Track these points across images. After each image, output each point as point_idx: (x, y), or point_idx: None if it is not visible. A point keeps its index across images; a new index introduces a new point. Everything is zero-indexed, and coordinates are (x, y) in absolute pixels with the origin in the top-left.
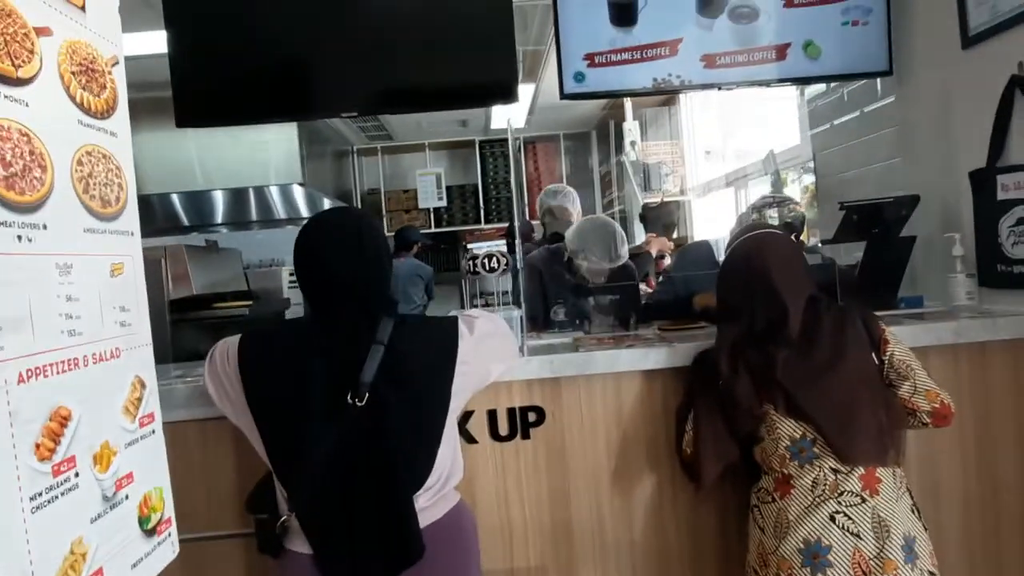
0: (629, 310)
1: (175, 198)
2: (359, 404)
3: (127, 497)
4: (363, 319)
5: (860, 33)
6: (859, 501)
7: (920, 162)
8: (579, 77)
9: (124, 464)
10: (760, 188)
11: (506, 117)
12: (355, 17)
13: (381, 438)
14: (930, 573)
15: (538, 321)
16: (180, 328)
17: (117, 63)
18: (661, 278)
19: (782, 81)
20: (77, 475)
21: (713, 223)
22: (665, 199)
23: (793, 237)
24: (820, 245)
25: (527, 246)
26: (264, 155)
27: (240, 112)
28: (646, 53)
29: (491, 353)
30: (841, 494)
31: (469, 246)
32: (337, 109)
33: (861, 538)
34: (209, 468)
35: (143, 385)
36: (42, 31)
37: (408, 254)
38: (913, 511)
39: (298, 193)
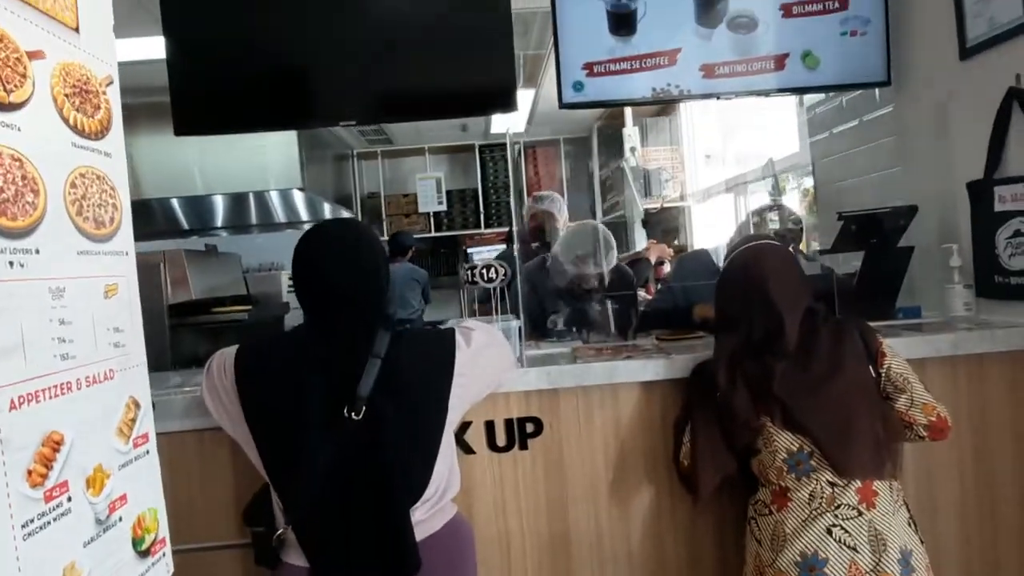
0: (627, 319)
1: (175, 202)
2: (356, 417)
3: (120, 519)
4: (360, 331)
5: (859, 44)
6: (856, 514)
7: (918, 172)
8: (578, 86)
9: (117, 486)
10: (760, 195)
11: (506, 122)
12: (354, 26)
13: (378, 451)
14: None
15: (532, 331)
16: (179, 333)
17: (111, 83)
18: (660, 286)
19: (781, 91)
20: (70, 500)
21: (713, 229)
22: (665, 205)
23: (791, 248)
24: (819, 254)
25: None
26: (264, 160)
27: (238, 121)
28: (645, 63)
29: (488, 365)
30: (838, 507)
31: (469, 250)
32: (336, 118)
33: (858, 551)
34: (207, 479)
35: (137, 405)
36: (35, 55)
37: (403, 258)
38: (910, 524)
39: (298, 198)
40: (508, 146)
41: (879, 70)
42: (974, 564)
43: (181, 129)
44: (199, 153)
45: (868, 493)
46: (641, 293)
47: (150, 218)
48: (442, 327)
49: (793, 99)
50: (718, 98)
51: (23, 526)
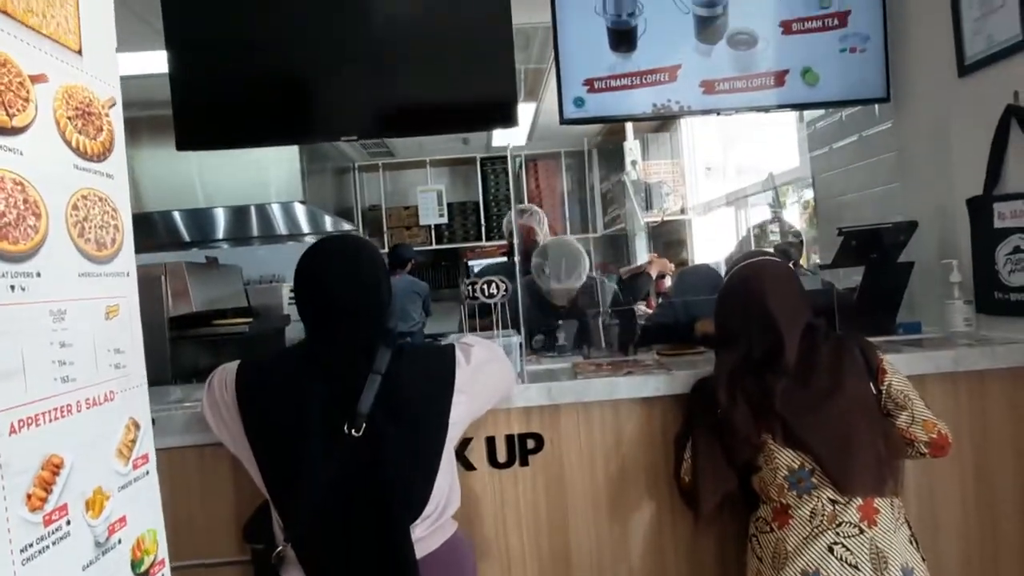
0: (629, 334)
1: (176, 215)
2: (356, 434)
3: (120, 541)
4: (361, 348)
5: (858, 60)
6: (857, 532)
7: (918, 187)
8: (579, 102)
9: (117, 508)
10: (760, 208)
11: (507, 136)
12: (356, 41)
13: (378, 468)
14: None
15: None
16: (179, 345)
17: (114, 104)
18: (661, 299)
19: (781, 107)
20: (69, 523)
21: (713, 243)
22: (666, 218)
23: (791, 264)
24: (820, 268)
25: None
26: (265, 173)
27: (240, 136)
28: (645, 79)
29: (489, 381)
30: (839, 525)
31: (470, 263)
32: (338, 132)
33: (859, 569)
34: (207, 494)
35: (137, 426)
36: (38, 78)
37: (403, 271)
38: (911, 542)
39: (299, 210)
40: (509, 159)
41: (878, 87)
42: None
43: (184, 144)
44: (201, 166)
45: (869, 511)
46: (642, 307)
47: (151, 230)
48: (442, 343)
49: (793, 114)
50: (718, 114)
51: (22, 550)
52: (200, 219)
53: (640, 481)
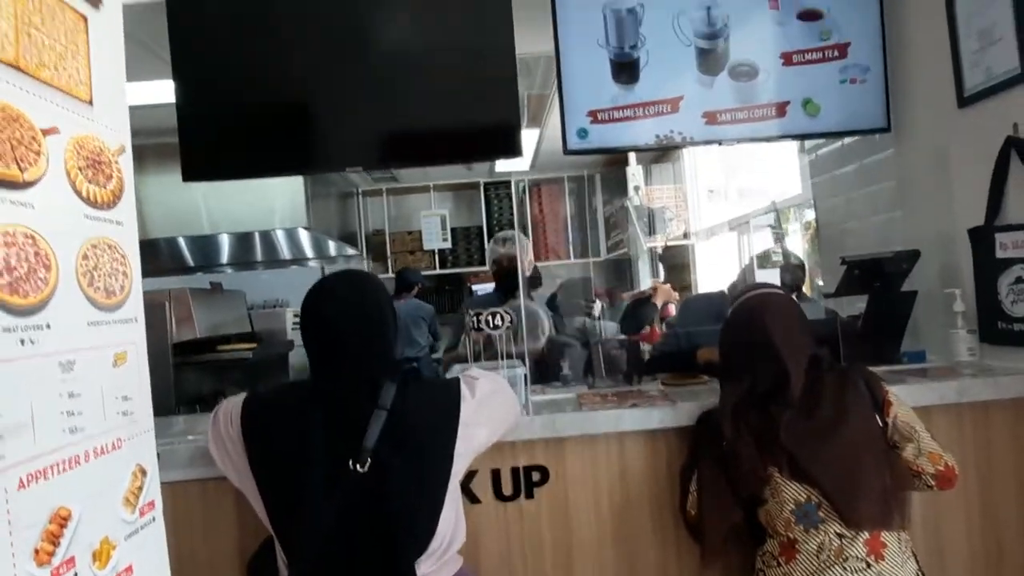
0: (633, 364)
1: (181, 241)
2: (361, 470)
3: None
4: (366, 382)
5: (858, 91)
6: (864, 566)
7: (920, 217)
8: (582, 133)
9: (124, 557)
10: (763, 232)
11: (511, 161)
12: (360, 72)
13: (383, 502)
14: None
15: None
16: (183, 371)
17: (124, 152)
18: (665, 326)
19: (783, 137)
20: (76, 575)
21: (716, 268)
22: (668, 243)
23: (794, 295)
24: (823, 296)
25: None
26: (270, 200)
27: (246, 168)
28: (648, 110)
29: (494, 414)
30: (846, 559)
31: (474, 287)
32: (343, 164)
33: None
34: (210, 529)
35: (144, 473)
36: (49, 131)
37: (409, 295)
38: None
39: (303, 236)
40: (512, 185)
41: (879, 117)
42: None
43: (190, 175)
44: (206, 193)
45: (876, 545)
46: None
47: (156, 256)
48: (447, 376)
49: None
50: (720, 144)
51: None
52: (205, 245)
53: (645, 514)
